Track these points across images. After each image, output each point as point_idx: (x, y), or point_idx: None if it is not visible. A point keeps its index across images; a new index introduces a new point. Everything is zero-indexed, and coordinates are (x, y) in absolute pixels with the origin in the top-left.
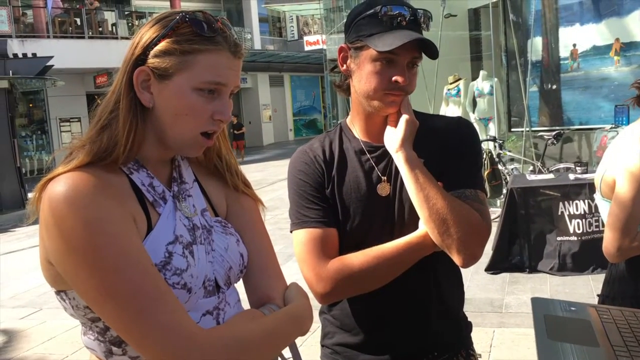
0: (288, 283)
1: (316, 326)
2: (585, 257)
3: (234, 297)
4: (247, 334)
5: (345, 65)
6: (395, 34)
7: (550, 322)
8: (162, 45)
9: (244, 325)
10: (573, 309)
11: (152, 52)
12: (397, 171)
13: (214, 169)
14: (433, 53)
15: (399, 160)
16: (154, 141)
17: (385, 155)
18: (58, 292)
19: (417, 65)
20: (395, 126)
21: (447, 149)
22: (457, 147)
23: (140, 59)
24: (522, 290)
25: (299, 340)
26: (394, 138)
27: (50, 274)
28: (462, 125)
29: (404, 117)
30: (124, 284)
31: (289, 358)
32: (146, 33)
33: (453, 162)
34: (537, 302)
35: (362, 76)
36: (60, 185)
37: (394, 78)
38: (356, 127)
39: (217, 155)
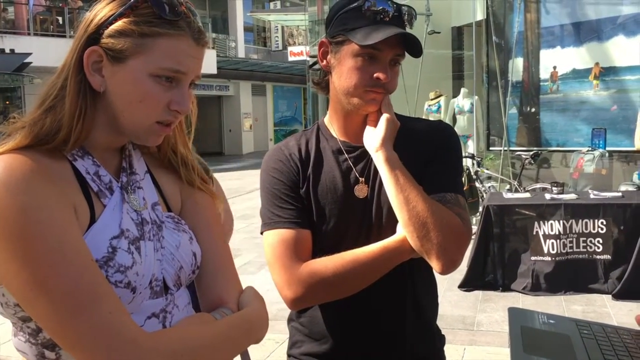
0: (259, 291)
1: (284, 337)
2: (558, 277)
3: (183, 299)
4: (195, 339)
5: (325, 61)
6: (379, 28)
7: (527, 334)
8: (118, 24)
9: (192, 330)
10: (552, 321)
11: (106, 32)
12: (375, 172)
13: (168, 163)
14: (417, 50)
15: (379, 160)
16: (104, 127)
17: (364, 156)
18: None
19: (399, 63)
20: (375, 126)
21: (427, 152)
22: (438, 150)
23: (93, 38)
24: (494, 308)
25: (265, 352)
26: (373, 137)
27: None
28: (443, 129)
29: (385, 116)
30: (58, 279)
31: None
32: (102, 10)
33: (434, 165)
34: (514, 313)
35: (343, 72)
36: None
37: (375, 75)
38: (334, 126)
39: (172, 150)
